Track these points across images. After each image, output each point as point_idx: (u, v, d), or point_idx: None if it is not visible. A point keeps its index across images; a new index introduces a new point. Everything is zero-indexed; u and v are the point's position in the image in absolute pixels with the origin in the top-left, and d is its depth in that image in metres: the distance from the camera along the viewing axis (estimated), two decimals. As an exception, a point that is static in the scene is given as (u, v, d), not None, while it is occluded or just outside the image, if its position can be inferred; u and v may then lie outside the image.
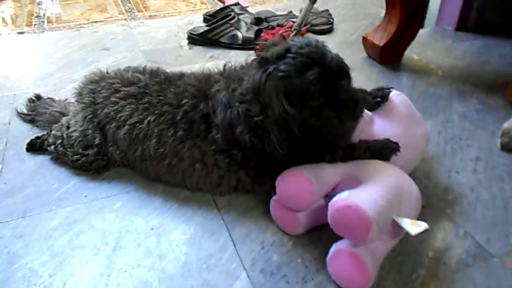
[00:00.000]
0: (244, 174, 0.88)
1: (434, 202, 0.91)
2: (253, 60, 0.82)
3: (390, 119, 0.88)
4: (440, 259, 0.79)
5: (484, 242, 0.82)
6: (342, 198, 0.67)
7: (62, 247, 0.81)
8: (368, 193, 0.67)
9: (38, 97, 1.22)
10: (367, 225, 0.63)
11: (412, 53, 1.54)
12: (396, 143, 0.83)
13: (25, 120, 1.18)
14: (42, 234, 0.84)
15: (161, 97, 0.91)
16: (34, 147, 1.05)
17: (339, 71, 0.76)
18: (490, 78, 1.40)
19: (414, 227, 0.67)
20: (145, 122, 0.90)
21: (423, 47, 1.60)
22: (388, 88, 0.92)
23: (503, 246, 0.81)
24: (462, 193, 0.93)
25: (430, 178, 0.97)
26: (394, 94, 0.91)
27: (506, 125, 1.09)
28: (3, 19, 2.08)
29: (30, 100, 1.20)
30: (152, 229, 0.85)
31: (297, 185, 0.75)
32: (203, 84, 0.90)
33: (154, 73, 0.99)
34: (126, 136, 0.92)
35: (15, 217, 0.87)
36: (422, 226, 0.68)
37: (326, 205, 0.79)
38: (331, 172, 0.78)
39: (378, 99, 0.91)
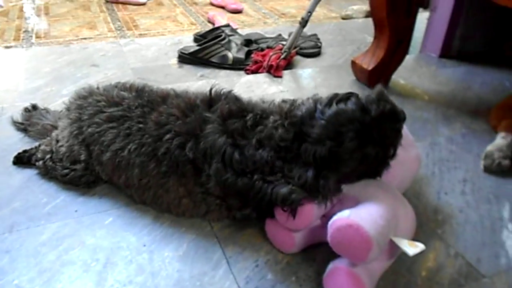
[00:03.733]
0: (237, 211, 0.87)
1: (425, 222, 0.92)
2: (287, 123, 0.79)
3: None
4: (433, 279, 0.79)
5: (474, 262, 0.83)
6: (343, 217, 0.67)
7: (51, 263, 0.79)
8: (369, 212, 0.68)
9: (34, 107, 1.20)
10: (368, 244, 0.64)
11: (399, 77, 1.58)
12: None
13: (18, 129, 1.17)
14: (30, 250, 0.81)
15: (141, 125, 0.87)
16: (22, 160, 1.03)
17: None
18: (473, 103, 1.45)
19: (411, 248, 0.68)
20: (126, 150, 0.87)
21: (409, 73, 1.65)
22: None
23: (493, 266, 0.82)
24: (451, 214, 0.95)
25: (420, 198, 0.99)
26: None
27: (489, 148, 1.13)
28: (-10, 33, 2.06)
29: (26, 110, 1.19)
30: (144, 245, 0.84)
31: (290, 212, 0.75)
32: (189, 121, 0.85)
33: (139, 92, 0.95)
34: (109, 161, 0.90)
35: (2, 231, 0.85)
36: (419, 247, 0.69)
37: (322, 224, 0.80)
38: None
39: None
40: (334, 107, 0.76)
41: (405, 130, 0.94)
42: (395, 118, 0.77)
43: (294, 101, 0.85)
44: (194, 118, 0.85)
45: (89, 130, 0.92)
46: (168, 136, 0.84)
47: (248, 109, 0.84)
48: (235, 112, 0.83)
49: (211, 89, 0.89)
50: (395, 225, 0.71)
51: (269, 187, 0.75)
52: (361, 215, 0.67)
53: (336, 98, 0.77)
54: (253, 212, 0.84)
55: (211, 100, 0.88)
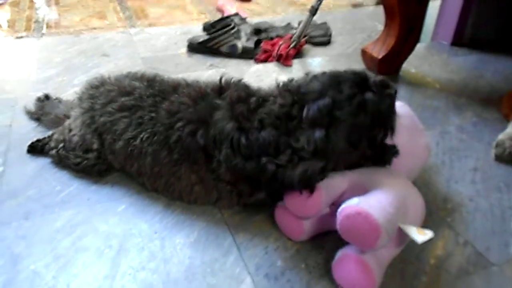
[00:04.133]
0: (247, 196, 0.87)
1: (434, 211, 0.92)
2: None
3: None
4: (442, 267, 0.80)
5: (483, 251, 0.83)
6: (352, 204, 0.68)
7: (66, 249, 0.81)
8: (378, 200, 0.69)
9: (47, 96, 1.22)
10: (377, 231, 0.64)
11: (410, 66, 1.57)
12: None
13: (32, 118, 1.19)
14: (45, 236, 0.83)
15: (153, 114, 0.88)
16: (35, 149, 1.05)
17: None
18: (485, 92, 1.44)
19: (420, 235, 0.68)
20: (138, 139, 0.88)
21: (420, 61, 1.64)
22: None
23: (502, 255, 0.83)
24: (461, 203, 0.95)
25: (430, 187, 0.99)
26: (397, 105, 0.93)
27: (500, 136, 1.12)
28: (1, 24, 2.08)
29: (39, 99, 1.21)
30: (156, 232, 0.85)
31: (307, 193, 0.76)
32: (200, 108, 0.86)
33: (150, 82, 0.96)
34: (122, 150, 0.91)
35: (18, 218, 0.87)
36: (428, 234, 0.69)
37: (331, 213, 0.80)
38: (339, 180, 0.78)
39: None
40: (328, 72, 0.80)
41: (415, 118, 0.95)
42: (387, 85, 0.80)
43: (291, 78, 0.87)
44: (204, 106, 0.86)
45: (102, 119, 0.94)
46: (179, 124, 0.85)
47: (255, 95, 0.85)
48: (243, 98, 0.84)
49: (221, 78, 0.90)
50: (404, 212, 0.71)
51: (284, 173, 0.76)
52: (370, 203, 0.67)
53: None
54: (267, 197, 0.85)
55: (221, 88, 0.89)
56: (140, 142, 0.88)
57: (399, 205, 0.70)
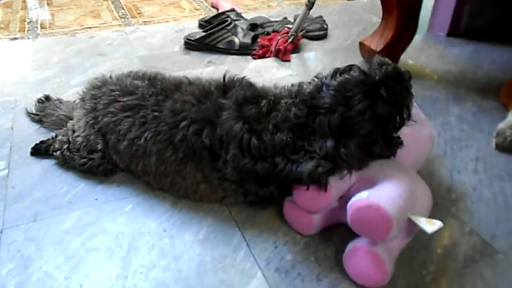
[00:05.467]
0: (253, 195, 0.87)
1: (439, 201, 0.93)
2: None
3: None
4: (449, 256, 0.81)
5: (489, 239, 0.85)
6: (362, 198, 0.69)
7: (76, 250, 0.81)
8: (387, 192, 0.69)
9: (48, 98, 1.22)
10: (388, 223, 0.65)
11: (407, 58, 1.58)
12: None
13: (33, 120, 1.18)
14: (54, 237, 0.83)
15: (156, 113, 0.88)
16: (39, 151, 1.05)
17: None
18: (483, 82, 1.45)
19: (430, 225, 0.69)
20: (143, 138, 0.88)
21: (417, 53, 1.65)
22: None
23: (508, 242, 0.84)
24: (465, 192, 0.96)
25: (433, 178, 1.00)
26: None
27: (500, 125, 1.14)
28: (-5, 25, 2.07)
29: (39, 101, 1.20)
30: (165, 230, 0.86)
31: (315, 188, 0.76)
32: (205, 108, 0.86)
33: (152, 80, 0.96)
34: (127, 150, 0.91)
35: (26, 221, 0.87)
36: (437, 224, 0.70)
37: (339, 206, 0.81)
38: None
39: None
40: (338, 78, 0.78)
41: (417, 109, 0.95)
42: (399, 77, 0.79)
43: (301, 83, 0.86)
44: (210, 105, 0.86)
45: (105, 119, 0.93)
46: (184, 123, 0.85)
47: (262, 95, 0.85)
48: (249, 98, 0.84)
49: (224, 76, 0.90)
50: (412, 203, 0.72)
51: (293, 166, 0.76)
52: (380, 195, 0.68)
53: (339, 71, 0.80)
54: (275, 190, 0.84)
55: (225, 86, 0.89)
56: (144, 141, 0.88)
57: (407, 197, 0.71)
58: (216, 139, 0.83)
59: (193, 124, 0.85)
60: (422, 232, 0.72)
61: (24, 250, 0.81)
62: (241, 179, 0.84)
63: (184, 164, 0.87)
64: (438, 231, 0.84)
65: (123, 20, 2.13)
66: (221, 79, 0.90)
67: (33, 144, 1.05)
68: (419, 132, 0.90)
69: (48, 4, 2.35)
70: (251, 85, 0.89)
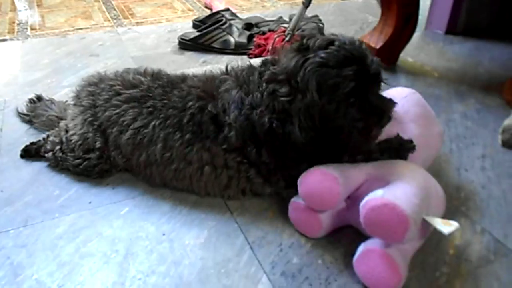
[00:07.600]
0: (255, 173, 0.85)
1: (448, 200, 0.88)
2: (292, 45, 0.80)
3: (407, 119, 0.86)
4: (461, 256, 0.78)
5: (502, 238, 0.82)
6: (377, 196, 0.65)
7: (70, 256, 0.76)
8: (403, 191, 0.66)
9: (39, 98, 1.17)
10: (405, 223, 0.61)
11: (406, 56, 1.55)
12: (411, 141, 0.82)
13: (23, 121, 1.14)
14: (46, 243, 0.79)
15: (165, 101, 0.89)
16: (30, 153, 1.00)
17: (376, 74, 0.76)
18: (485, 79, 1.43)
19: (446, 226, 0.66)
20: (150, 126, 0.88)
21: (416, 50, 1.63)
22: None
23: (521, 241, 0.81)
24: (473, 190, 0.93)
25: (441, 176, 0.97)
26: (409, 93, 0.91)
27: (506, 122, 1.11)
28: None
29: (31, 101, 1.16)
30: (164, 234, 0.81)
31: (323, 183, 0.72)
32: (208, 85, 0.89)
33: (156, 76, 0.96)
34: (130, 141, 0.90)
35: (16, 226, 0.82)
36: (454, 225, 0.67)
37: (347, 207, 0.78)
38: (356, 172, 0.76)
39: None
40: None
41: (428, 107, 0.93)
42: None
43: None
44: (211, 83, 0.89)
45: (106, 113, 0.92)
46: (190, 103, 0.87)
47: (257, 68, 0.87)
48: (246, 70, 0.87)
49: (227, 66, 0.91)
50: (427, 204, 0.69)
51: (285, 128, 0.76)
52: (396, 194, 0.64)
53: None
54: (282, 181, 0.84)
55: (228, 71, 0.92)
56: (152, 128, 0.88)
57: (423, 196, 0.67)
58: (220, 109, 0.84)
59: (198, 101, 0.87)
60: (432, 232, 0.68)
61: (14, 257, 0.76)
62: (243, 142, 0.83)
63: (191, 146, 0.86)
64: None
65: (115, 21, 2.08)
66: (224, 68, 0.92)
67: (23, 146, 1.01)
68: (430, 131, 0.87)
69: (38, 5, 2.30)
70: (251, 66, 0.89)
